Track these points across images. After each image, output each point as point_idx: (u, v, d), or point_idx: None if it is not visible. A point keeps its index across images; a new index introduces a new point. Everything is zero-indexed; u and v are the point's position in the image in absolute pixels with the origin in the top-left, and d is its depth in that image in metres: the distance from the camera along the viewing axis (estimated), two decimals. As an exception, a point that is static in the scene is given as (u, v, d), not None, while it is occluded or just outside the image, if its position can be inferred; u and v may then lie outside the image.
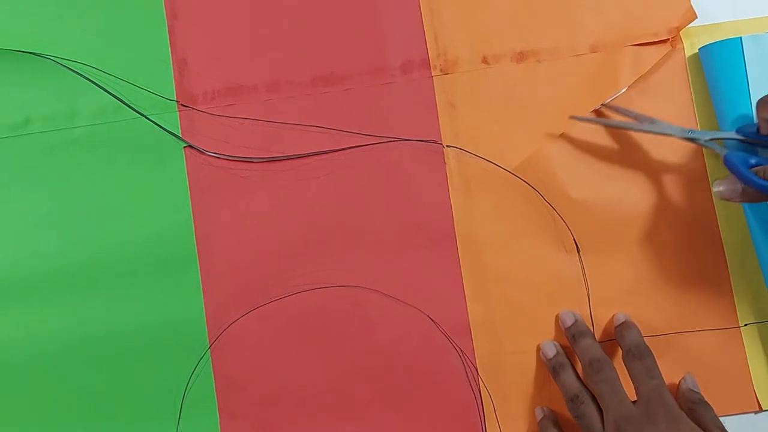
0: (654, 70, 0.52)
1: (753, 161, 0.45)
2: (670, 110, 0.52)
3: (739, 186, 0.45)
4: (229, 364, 0.51)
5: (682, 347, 0.51)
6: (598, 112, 0.52)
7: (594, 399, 0.46)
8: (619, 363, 0.48)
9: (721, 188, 0.45)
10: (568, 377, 0.48)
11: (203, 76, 0.53)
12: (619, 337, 0.49)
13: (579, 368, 0.48)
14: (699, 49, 0.52)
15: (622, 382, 0.46)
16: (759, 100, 0.45)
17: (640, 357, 0.46)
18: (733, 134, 0.47)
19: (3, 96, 0.52)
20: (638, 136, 0.52)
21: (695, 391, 0.48)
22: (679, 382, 0.50)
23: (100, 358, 0.50)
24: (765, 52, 0.49)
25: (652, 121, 0.50)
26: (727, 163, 0.45)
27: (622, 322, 0.49)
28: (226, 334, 0.51)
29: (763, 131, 0.46)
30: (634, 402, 0.45)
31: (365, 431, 0.50)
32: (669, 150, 0.52)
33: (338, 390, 0.51)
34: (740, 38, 0.50)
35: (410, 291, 0.51)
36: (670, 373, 0.50)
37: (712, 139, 0.48)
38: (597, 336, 0.50)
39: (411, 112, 0.52)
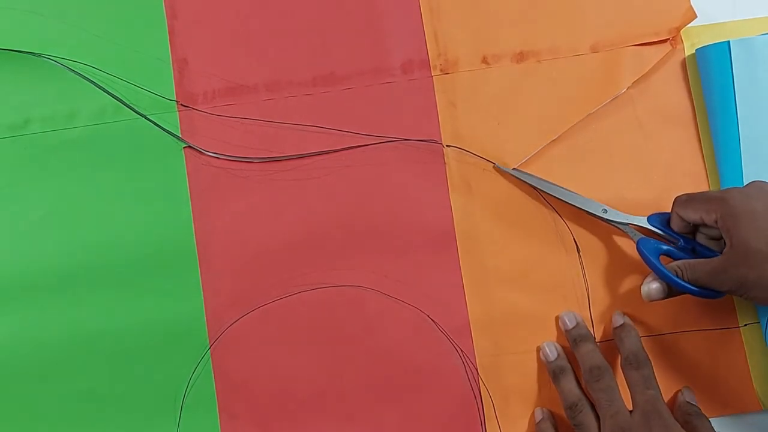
0: (654, 70, 0.52)
1: (664, 248, 0.47)
2: (669, 110, 0.52)
3: (666, 286, 0.46)
4: (229, 365, 0.51)
5: (682, 347, 0.51)
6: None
7: (593, 406, 0.47)
8: (618, 363, 0.48)
9: (652, 288, 0.47)
10: (568, 383, 0.48)
11: (203, 76, 0.53)
12: (618, 341, 0.49)
13: (578, 369, 0.49)
14: (696, 50, 0.52)
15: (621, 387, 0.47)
16: (676, 198, 0.48)
17: (637, 366, 0.47)
18: (644, 223, 0.49)
19: (2, 96, 0.52)
20: (643, 136, 0.52)
21: (692, 404, 0.49)
22: (677, 394, 0.50)
23: (100, 359, 0.50)
24: (752, 55, 0.50)
25: (574, 195, 0.50)
26: (641, 253, 0.47)
27: (621, 325, 0.49)
28: (226, 334, 0.51)
29: (674, 226, 0.48)
30: (630, 411, 0.45)
31: (365, 431, 0.50)
32: (668, 150, 0.52)
33: (338, 390, 0.51)
34: (728, 42, 0.50)
35: (410, 291, 0.51)
36: (670, 373, 0.50)
37: (625, 223, 0.49)
38: (597, 336, 0.50)
39: (411, 112, 0.52)
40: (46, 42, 0.52)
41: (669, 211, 0.48)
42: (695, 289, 0.45)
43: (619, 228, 0.50)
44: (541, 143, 0.52)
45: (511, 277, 0.51)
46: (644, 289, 0.47)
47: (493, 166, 0.52)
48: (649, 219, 0.49)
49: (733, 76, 0.50)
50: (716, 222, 0.45)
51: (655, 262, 0.46)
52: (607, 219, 0.50)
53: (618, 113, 0.52)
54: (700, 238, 0.47)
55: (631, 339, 0.48)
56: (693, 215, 0.46)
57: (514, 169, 0.51)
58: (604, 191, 0.51)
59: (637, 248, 0.47)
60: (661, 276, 0.46)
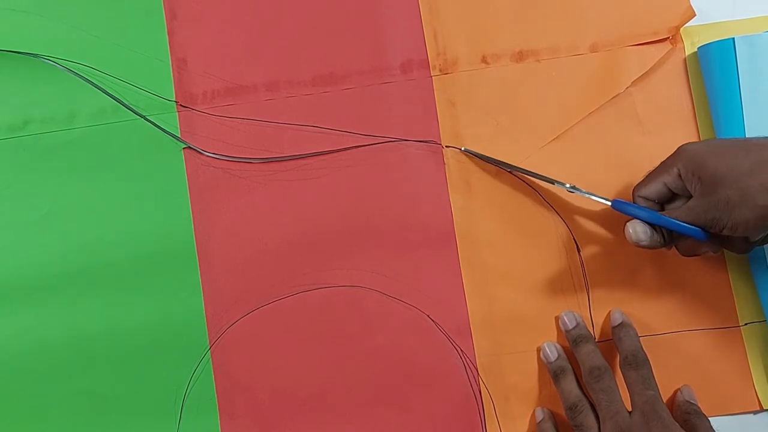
0: (654, 69, 0.52)
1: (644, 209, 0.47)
2: (670, 109, 0.52)
3: (649, 229, 0.46)
4: (229, 365, 0.51)
5: (683, 346, 0.51)
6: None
7: (593, 406, 0.47)
8: (617, 362, 0.48)
9: (638, 227, 0.46)
10: (568, 384, 0.48)
11: (202, 76, 0.52)
12: (616, 340, 0.49)
13: (578, 369, 0.49)
14: (697, 49, 0.52)
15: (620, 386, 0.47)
16: (634, 187, 0.48)
17: (636, 366, 0.47)
18: (609, 204, 0.48)
19: (1, 97, 0.52)
20: (643, 134, 0.52)
21: (691, 403, 0.49)
22: (676, 393, 0.50)
23: (100, 359, 0.50)
24: (757, 52, 0.50)
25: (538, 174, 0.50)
26: (620, 206, 0.47)
27: (620, 324, 0.49)
28: (227, 334, 0.51)
29: None
30: (630, 412, 0.45)
31: (365, 431, 0.50)
32: (668, 149, 0.52)
33: (338, 390, 0.51)
34: (733, 39, 0.50)
35: (410, 291, 0.51)
36: (670, 373, 0.50)
37: (597, 195, 0.49)
38: (596, 335, 0.51)
39: (411, 112, 0.52)
40: (45, 43, 0.52)
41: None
42: (681, 224, 0.44)
43: (589, 198, 0.49)
44: (541, 142, 0.52)
45: (511, 277, 0.51)
46: (629, 230, 0.46)
47: (461, 150, 0.52)
48: (614, 203, 0.48)
49: (738, 73, 0.50)
50: (679, 175, 0.45)
51: (636, 206, 0.46)
52: (576, 191, 0.49)
53: (618, 112, 0.52)
54: None
55: (630, 338, 0.48)
56: (655, 186, 0.46)
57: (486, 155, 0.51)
58: (603, 190, 0.51)
59: (614, 206, 0.47)
60: (645, 218, 0.46)
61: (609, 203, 0.47)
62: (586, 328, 0.50)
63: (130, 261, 0.51)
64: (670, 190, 0.46)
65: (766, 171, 0.42)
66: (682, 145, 0.46)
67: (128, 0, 0.53)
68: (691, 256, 0.48)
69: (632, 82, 0.52)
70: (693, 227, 0.44)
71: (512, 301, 0.51)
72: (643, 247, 0.46)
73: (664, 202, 0.47)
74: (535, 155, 0.52)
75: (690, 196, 0.45)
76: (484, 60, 0.53)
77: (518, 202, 0.52)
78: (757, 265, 0.50)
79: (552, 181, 0.49)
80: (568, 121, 0.52)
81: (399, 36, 0.53)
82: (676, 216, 0.45)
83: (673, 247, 0.48)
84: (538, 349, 0.51)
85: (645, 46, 0.52)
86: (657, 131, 0.52)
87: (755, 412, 0.50)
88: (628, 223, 0.46)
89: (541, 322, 0.51)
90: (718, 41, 0.51)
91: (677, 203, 0.47)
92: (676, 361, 0.51)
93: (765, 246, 0.50)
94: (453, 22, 0.53)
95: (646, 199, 0.47)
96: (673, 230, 0.45)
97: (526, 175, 0.51)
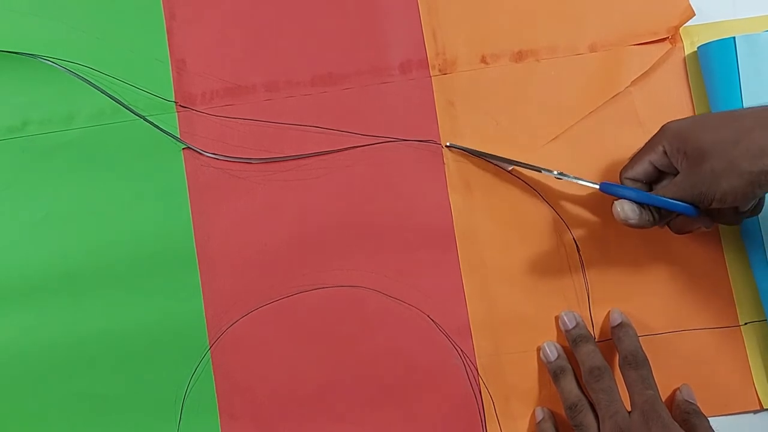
0: (654, 69, 0.52)
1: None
2: (670, 108, 0.52)
3: (638, 208, 0.45)
4: (229, 365, 0.51)
5: (683, 346, 0.51)
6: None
7: (593, 406, 0.47)
8: (617, 362, 0.48)
9: (626, 206, 0.45)
10: (568, 384, 0.48)
11: (202, 76, 0.52)
12: (616, 340, 0.49)
13: (578, 368, 0.49)
14: (698, 47, 0.52)
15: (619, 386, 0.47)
16: (623, 167, 0.48)
17: (635, 366, 0.47)
18: (597, 188, 0.48)
19: (0, 98, 0.52)
20: (643, 134, 0.52)
21: (690, 402, 0.49)
22: (675, 392, 0.50)
23: (100, 360, 0.50)
24: (758, 51, 0.50)
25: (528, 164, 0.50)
26: (609, 188, 0.46)
27: (619, 324, 0.49)
28: (227, 335, 0.51)
29: None
30: (629, 411, 0.45)
31: (365, 431, 0.50)
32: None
33: (338, 390, 0.51)
34: (734, 38, 0.50)
35: (410, 291, 0.51)
36: (670, 373, 0.50)
37: (584, 179, 0.49)
38: (596, 335, 0.51)
39: (410, 112, 0.52)
40: (44, 44, 0.52)
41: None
42: (671, 201, 0.44)
43: (577, 183, 0.49)
44: (541, 142, 0.52)
45: (511, 277, 0.51)
46: (617, 209, 0.46)
47: (446, 145, 0.52)
48: (602, 186, 0.48)
49: (739, 72, 0.50)
50: (665, 152, 0.45)
51: (624, 187, 0.46)
52: (563, 176, 0.49)
53: (618, 111, 0.52)
54: None
55: (630, 338, 0.48)
56: (641, 166, 0.46)
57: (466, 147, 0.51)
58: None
59: (602, 188, 0.47)
60: (634, 197, 0.45)
61: (597, 187, 0.47)
62: (586, 328, 0.50)
63: (130, 261, 0.51)
64: (656, 168, 0.46)
65: (749, 138, 0.42)
66: (666, 123, 0.46)
67: (127, 0, 0.53)
68: (685, 233, 0.48)
69: (632, 82, 0.52)
70: (682, 203, 0.44)
71: (512, 301, 0.51)
72: (633, 226, 0.46)
73: (651, 182, 0.47)
74: (534, 155, 0.52)
75: (677, 174, 0.45)
76: (483, 60, 0.53)
77: (518, 202, 0.52)
78: (757, 263, 0.50)
79: (539, 169, 0.49)
80: (567, 121, 0.52)
81: (398, 36, 0.53)
82: (664, 193, 0.45)
83: (667, 227, 0.48)
84: (538, 349, 0.51)
85: (644, 45, 0.52)
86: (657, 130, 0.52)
87: (755, 412, 0.50)
88: (615, 202, 0.46)
89: (541, 322, 0.51)
90: (718, 40, 0.51)
91: (664, 182, 0.47)
92: (675, 360, 0.51)
93: (765, 244, 0.50)
94: (452, 22, 0.53)
95: (634, 180, 0.47)
96: (663, 208, 0.45)
97: (518, 168, 0.51)
